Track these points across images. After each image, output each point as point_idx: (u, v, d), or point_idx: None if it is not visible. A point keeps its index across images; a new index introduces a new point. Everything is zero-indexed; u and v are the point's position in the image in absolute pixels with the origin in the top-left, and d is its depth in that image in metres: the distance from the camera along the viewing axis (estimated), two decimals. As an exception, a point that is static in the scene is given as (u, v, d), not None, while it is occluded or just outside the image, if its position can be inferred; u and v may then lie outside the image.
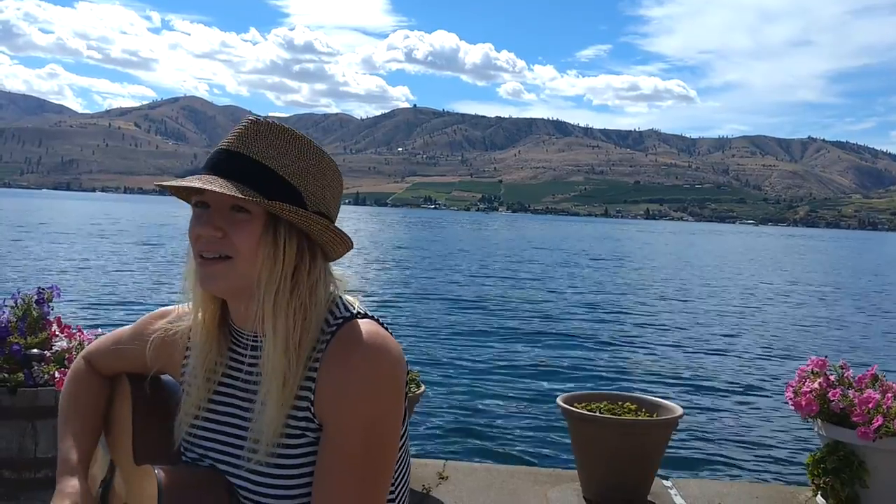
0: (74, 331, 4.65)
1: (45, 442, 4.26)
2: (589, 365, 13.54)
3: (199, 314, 1.41)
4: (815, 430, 4.50)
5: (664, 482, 4.96)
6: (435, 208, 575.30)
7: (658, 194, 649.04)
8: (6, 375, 4.22)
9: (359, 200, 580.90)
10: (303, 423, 1.29)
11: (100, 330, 4.81)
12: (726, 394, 11.61)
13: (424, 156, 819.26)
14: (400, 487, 1.40)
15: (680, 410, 4.68)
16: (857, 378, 4.47)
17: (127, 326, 1.62)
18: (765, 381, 12.71)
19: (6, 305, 4.58)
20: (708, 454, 8.33)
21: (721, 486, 5.36)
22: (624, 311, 22.19)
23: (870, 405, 4.17)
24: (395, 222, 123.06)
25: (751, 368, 13.94)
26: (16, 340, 4.33)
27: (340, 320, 1.31)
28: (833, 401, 4.29)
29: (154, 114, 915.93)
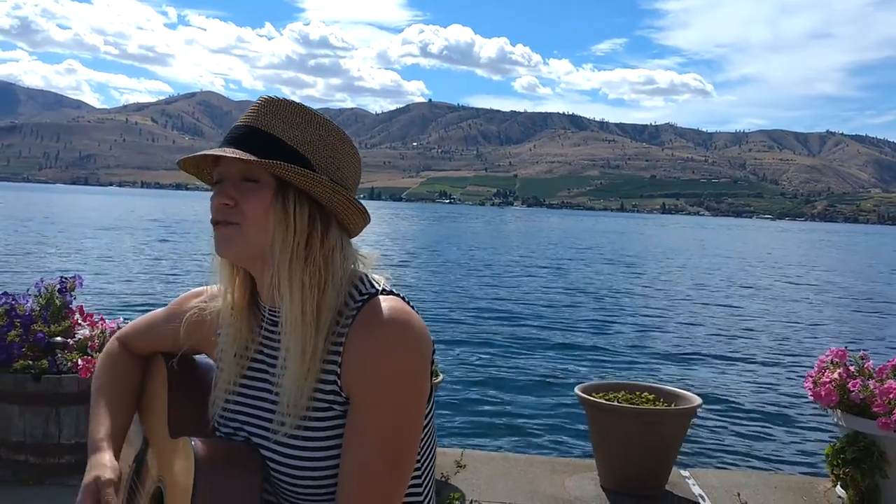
0: (97, 319, 4.71)
1: (69, 428, 4.31)
2: (607, 355, 13.57)
3: (228, 295, 1.43)
4: (835, 420, 4.48)
5: (682, 472, 4.96)
6: (450, 203, 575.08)
7: (674, 189, 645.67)
8: (31, 362, 4.28)
9: (374, 195, 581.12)
10: (330, 397, 1.30)
11: (122, 318, 4.87)
12: (745, 384, 11.59)
13: (439, 150, 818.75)
14: (426, 466, 1.41)
15: (698, 400, 4.68)
16: (877, 369, 4.45)
17: (161, 308, 1.63)
18: (783, 371, 12.69)
19: (30, 294, 4.65)
20: (726, 444, 8.31)
21: (739, 476, 5.36)
22: (643, 302, 22.24)
23: (890, 395, 4.15)
24: (409, 217, 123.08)
25: (769, 359, 13.92)
26: (40, 328, 4.38)
27: (366, 296, 1.32)
28: (853, 391, 4.27)
29: (170, 109, 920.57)
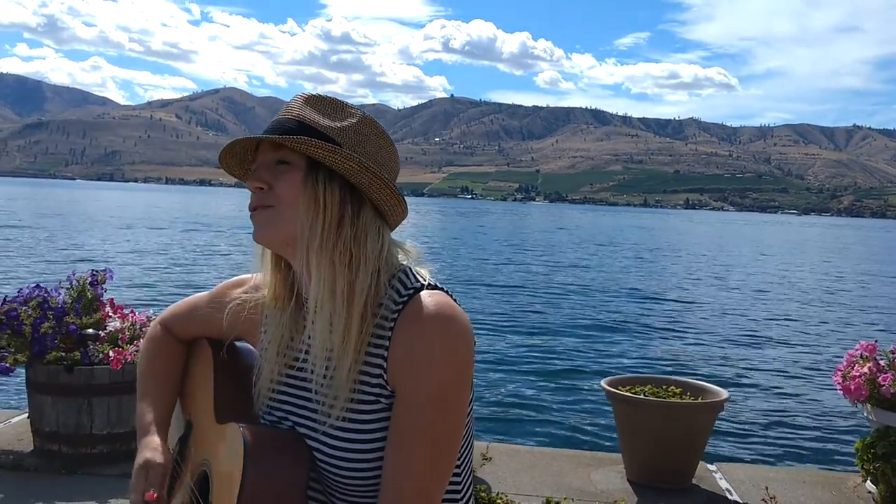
0: (127, 312, 4.77)
1: (101, 419, 4.38)
2: (633, 349, 13.56)
3: (272, 288, 1.45)
4: (865, 415, 4.45)
5: (709, 466, 4.94)
6: (471, 198, 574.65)
7: (698, 184, 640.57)
8: (63, 354, 4.35)
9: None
10: (376, 390, 1.31)
11: (151, 311, 4.93)
12: (773, 378, 11.53)
13: (461, 145, 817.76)
14: (465, 458, 1.43)
15: (725, 394, 4.65)
16: (907, 363, 4.40)
17: (203, 293, 1.65)
18: (812, 365, 12.62)
19: (62, 287, 4.72)
20: (754, 439, 8.26)
21: (767, 470, 5.32)
22: (669, 296, 22.22)
23: (921, 390, 4.11)
24: (431, 212, 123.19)
25: (798, 353, 13.84)
26: (72, 320, 4.45)
27: (412, 290, 1.33)
28: (883, 385, 4.23)
29: (194, 105, 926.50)
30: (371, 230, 1.34)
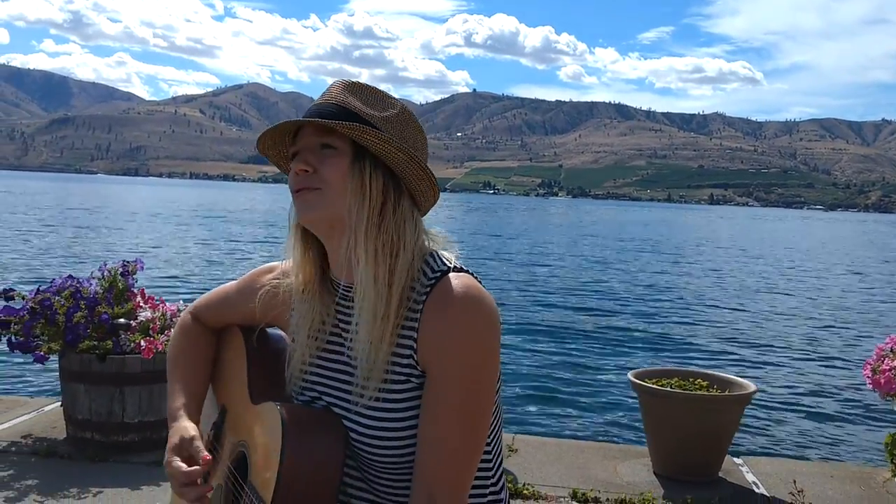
0: (157, 302, 4.83)
1: (132, 407, 4.44)
2: (660, 342, 13.54)
3: (300, 273, 1.47)
4: (894, 408, 4.41)
5: (735, 459, 4.93)
6: (494, 193, 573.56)
7: (722, 179, 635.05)
8: (96, 343, 4.42)
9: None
10: (407, 370, 1.34)
11: (181, 301, 4.99)
12: (801, 372, 11.47)
13: (483, 140, 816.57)
14: (495, 438, 1.46)
15: (753, 387, 4.63)
16: (938, 357, 4.36)
17: (233, 282, 1.67)
18: (841, 359, 12.54)
19: (93, 277, 4.79)
20: (781, 432, 8.20)
21: (795, 464, 5.29)
22: (696, 290, 22.18)
23: (953, 384, 4.07)
24: (453, 207, 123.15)
25: (826, 347, 13.76)
26: (104, 310, 4.51)
27: (439, 273, 1.35)
28: (913, 379, 4.20)
29: (218, 101, 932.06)
30: (409, 218, 1.37)
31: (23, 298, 4.59)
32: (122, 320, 4.56)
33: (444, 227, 1.45)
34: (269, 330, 1.63)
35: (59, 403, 4.96)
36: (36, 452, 4.43)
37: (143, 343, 4.42)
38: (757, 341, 14.05)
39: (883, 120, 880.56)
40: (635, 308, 17.69)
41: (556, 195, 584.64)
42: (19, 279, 15.99)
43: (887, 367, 4.32)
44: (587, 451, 5.04)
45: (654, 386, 4.59)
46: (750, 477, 4.63)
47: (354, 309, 1.37)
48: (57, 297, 4.51)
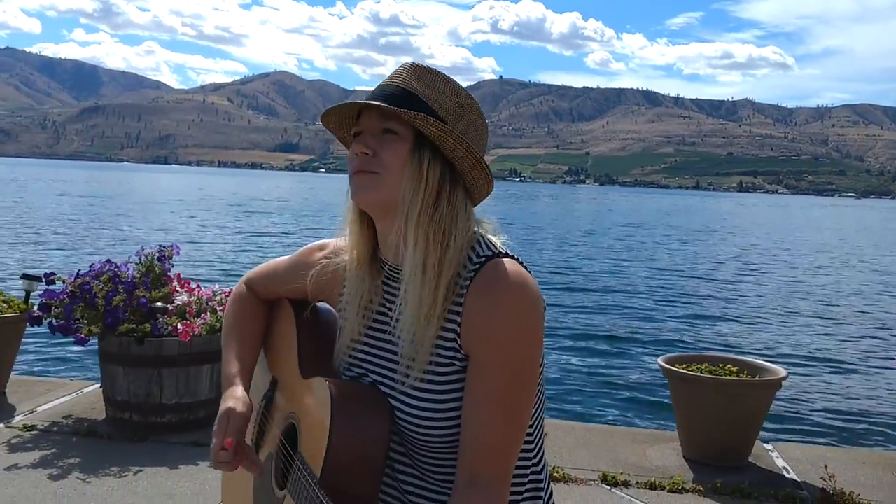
0: (193, 286, 4.92)
1: (170, 389, 4.54)
2: (689, 329, 13.53)
3: (354, 252, 1.50)
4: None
5: (765, 445, 4.92)
6: (520, 181, 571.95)
7: (752, 166, 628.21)
8: (134, 326, 4.51)
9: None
10: (451, 353, 1.36)
11: (216, 286, 5.08)
12: (832, 359, 11.40)
13: (510, 128, 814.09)
14: (537, 421, 1.49)
15: (783, 372, 4.62)
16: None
17: (286, 256, 1.73)
18: (872, 346, 12.43)
19: (131, 262, 4.89)
20: (811, 418, 8.17)
21: (825, 450, 5.27)
22: (727, 278, 22.10)
23: None
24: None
25: (857, 335, 13.65)
26: (142, 294, 4.61)
27: (483, 258, 1.38)
28: (947, 365, 4.18)
29: (246, 89, 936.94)
30: (462, 208, 1.39)
31: (63, 282, 4.70)
32: (159, 304, 4.65)
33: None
34: (322, 305, 1.66)
35: (98, 385, 5.09)
36: (77, 432, 4.55)
37: (179, 326, 4.51)
38: (788, 327, 14.01)
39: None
40: (664, 294, 17.67)
41: (584, 182, 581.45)
42: (58, 264, 16.29)
43: (920, 354, 4.30)
44: (616, 435, 5.07)
45: (685, 371, 4.60)
46: (780, 462, 4.63)
47: (400, 292, 1.40)
48: (96, 282, 4.61)
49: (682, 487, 4.14)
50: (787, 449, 4.97)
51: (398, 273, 1.43)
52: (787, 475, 4.43)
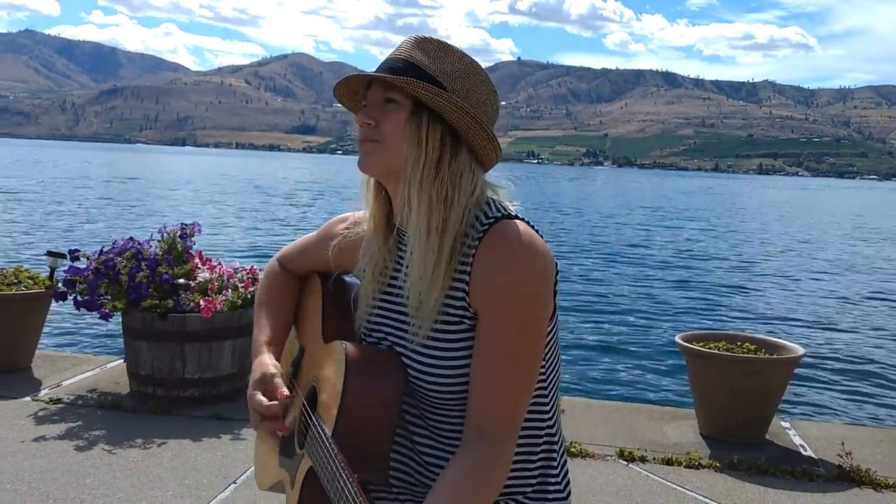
0: (215, 264, 4.98)
1: (192, 364, 4.62)
2: (707, 308, 13.54)
3: (371, 219, 1.56)
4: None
5: (783, 423, 4.94)
6: (538, 163, 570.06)
7: (772, 148, 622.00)
8: (157, 302, 4.58)
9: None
10: (460, 311, 1.42)
11: (237, 263, 5.14)
12: (849, 338, 11.40)
13: (528, 109, 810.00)
14: (551, 376, 1.54)
15: (801, 350, 4.63)
16: None
17: (313, 232, 1.81)
18: (890, 325, 12.42)
19: (153, 240, 4.96)
20: (829, 397, 8.18)
21: (842, 428, 5.28)
22: (745, 256, 22.14)
23: None
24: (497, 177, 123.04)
25: (875, 312, 13.65)
26: (164, 270, 4.68)
27: (492, 219, 1.43)
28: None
29: (263, 71, 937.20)
30: (466, 170, 1.44)
31: (87, 259, 4.77)
32: (181, 280, 4.72)
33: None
34: (347, 277, 1.74)
35: (122, 360, 5.18)
36: (102, 406, 4.63)
37: (201, 303, 4.58)
38: (805, 306, 14.02)
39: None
40: (682, 273, 17.72)
41: (602, 164, 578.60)
42: (81, 241, 16.50)
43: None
44: (634, 412, 5.10)
45: (703, 349, 4.62)
46: (797, 440, 4.64)
47: (406, 254, 1.47)
48: (119, 258, 4.68)
49: (699, 463, 4.17)
50: (804, 427, 4.99)
51: (405, 237, 1.49)
52: (803, 452, 4.45)
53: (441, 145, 1.42)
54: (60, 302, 4.92)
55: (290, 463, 1.59)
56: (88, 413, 4.51)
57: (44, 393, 4.82)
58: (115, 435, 4.17)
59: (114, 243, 4.85)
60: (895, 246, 28.63)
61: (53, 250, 5.53)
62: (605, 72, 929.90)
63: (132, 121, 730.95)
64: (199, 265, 4.91)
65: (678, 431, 4.69)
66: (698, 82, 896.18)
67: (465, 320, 1.42)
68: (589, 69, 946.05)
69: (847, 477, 4.05)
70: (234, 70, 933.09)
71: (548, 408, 1.53)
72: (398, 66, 1.43)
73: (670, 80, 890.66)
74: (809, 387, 8.43)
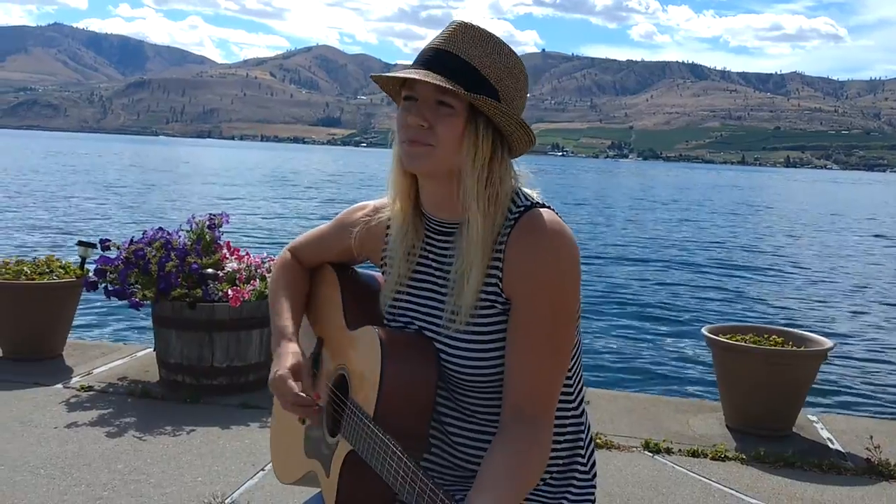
0: (243, 254, 5.03)
1: (221, 352, 4.67)
2: (734, 300, 13.48)
3: (398, 203, 1.58)
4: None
5: (809, 416, 4.90)
6: (562, 155, 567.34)
7: (800, 141, 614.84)
8: (187, 291, 4.64)
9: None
10: (492, 298, 1.46)
11: (266, 253, 5.19)
12: (878, 331, 11.30)
13: (552, 102, 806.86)
14: (576, 363, 1.56)
15: (829, 343, 4.59)
16: None
17: (328, 222, 1.82)
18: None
19: (182, 230, 5.01)
20: (858, 390, 8.11)
21: (870, 422, 5.22)
22: (773, 250, 22.01)
23: None
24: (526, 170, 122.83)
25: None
26: (193, 260, 4.73)
27: (522, 208, 1.47)
28: None
29: (288, 63, 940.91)
30: (508, 168, 1.49)
31: (118, 249, 4.84)
32: (210, 270, 4.77)
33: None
34: (360, 269, 1.78)
35: (151, 349, 5.25)
36: (132, 393, 4.70)
37: (230, 292, 4.62)
38: (833, 299, 13.92)
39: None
40: (709, 266, 17.65)
41: (627, 157, 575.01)
42: (111, 231, 16.73)
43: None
44: (659, 404, 5.09)
45: (730, 341, 4.60)
46: (824, 433, 4.61)
47: (458, 256, 1.48)
48: (149, 248, 4.74)
49: (725, 455, 4.16)
50: (832, 420, 4.95)
51: (442, 226, 1.53)
52: (831, 446, 4.41)
53: (493, 150, 1.45)
54: (91, 291, 5.00)
55: (322, 452, 1.59)
56: (119, 400, 4.58)
57: (75, 381, 4.90)
58: (145, 422, 4.23)
59: (144, 233, 4.92)
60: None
61: (84, 240, 5.62)
62: (630, 64, 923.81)
63: (159, 113, 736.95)
64: (228, 255, 4.96)
65: (704, 423, 4.67)
66: (725, 74, 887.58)
67: (498, 305, 1.46)
68: (614, 61, 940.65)
69: (875, 471, 4.01)
70: (259, 63, 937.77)
71: (572, 393, 1.56)
72: (454, 67, 1.42)
73: (696, 71, 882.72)
74: (837, 380, 8.36)
